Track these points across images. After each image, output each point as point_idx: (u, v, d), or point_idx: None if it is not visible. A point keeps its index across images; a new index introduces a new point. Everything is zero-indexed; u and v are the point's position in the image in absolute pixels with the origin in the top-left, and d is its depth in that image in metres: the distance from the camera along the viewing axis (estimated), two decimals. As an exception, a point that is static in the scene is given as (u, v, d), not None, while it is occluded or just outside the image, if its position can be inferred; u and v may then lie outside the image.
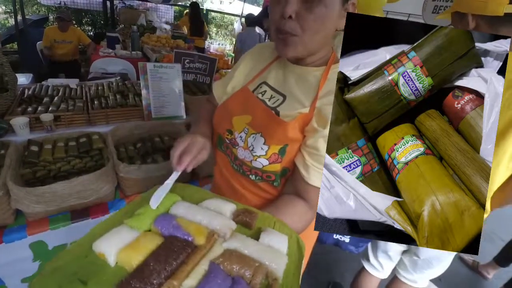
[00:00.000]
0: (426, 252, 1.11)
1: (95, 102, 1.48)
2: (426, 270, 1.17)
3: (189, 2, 4.71)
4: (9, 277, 1.00)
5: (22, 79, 1.96)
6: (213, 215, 0.48)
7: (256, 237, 0.46)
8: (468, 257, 2.28)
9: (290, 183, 0.68)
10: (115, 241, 0.41)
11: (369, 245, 1.32)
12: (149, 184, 1.14)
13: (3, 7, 6.61)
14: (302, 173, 0.62)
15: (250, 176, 0.70)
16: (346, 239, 1.23)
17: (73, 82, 1.73)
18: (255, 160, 0.65)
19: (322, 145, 0.59)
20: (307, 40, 0.57)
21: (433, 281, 1.97)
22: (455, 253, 1.09)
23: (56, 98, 1.46)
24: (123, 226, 0.44)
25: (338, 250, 1.35)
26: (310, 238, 0.89)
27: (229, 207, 0.52)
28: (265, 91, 0.71)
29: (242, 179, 0.73)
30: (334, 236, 1.21)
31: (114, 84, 1.69)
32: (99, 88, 1.64)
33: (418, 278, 1.22)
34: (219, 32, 9.73)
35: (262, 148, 0.63)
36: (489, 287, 2.07)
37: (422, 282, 1.24)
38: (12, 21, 6.10)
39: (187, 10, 6.31)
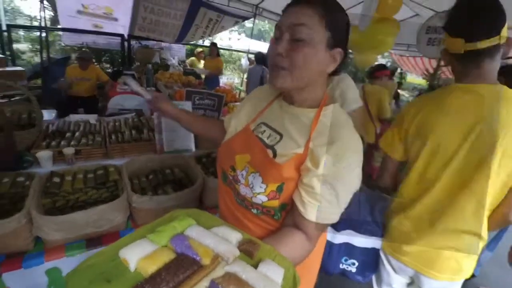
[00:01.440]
0: (429, 284, 1.12)
1: (112, 136, 1.61)
2: None
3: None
4: (24, 303, 1.05)
5: (47, 114, 2.13)
6: (220, 241, 0.54)
7: (256, 266, 0.52)
8: None
9: (290, 216, 0.73)
10: (137, 251, 0.49)
11: (373, 278, 1.32)
12: (160, 214, 1.20)
13: (30, 46, 7.21)
14: (299, 209, 0.66)
15: (252, 210, 0.75)
16: (353, 268, 1.23)
17: (92, 118, 1.88)
18: (255, 196, 0.70)
19: (316, 183, 0.63)
20: (295, 74, 0.66)
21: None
22: (460, 282, 1.10)
23: (77, 133, 1.59)
24: (146, 240, 0.52)
25: (345, 280, 1.35)
26: (312, 268, 0.93)
27: (235, 236, 0.58)
28: (264, 131, 0.79)
29: (245, 212, 0.78)
30: (341, 266, 1.23)
31: (130, 120, 1.83)
32: (116, 123, 1.78)
33: None
34: (227, 67, 10.25)
35: (260, 186, 0.69)
36: None
37: None
38: (37, 59, 6.63)
39: (200, 49, 6.77)
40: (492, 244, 2.09)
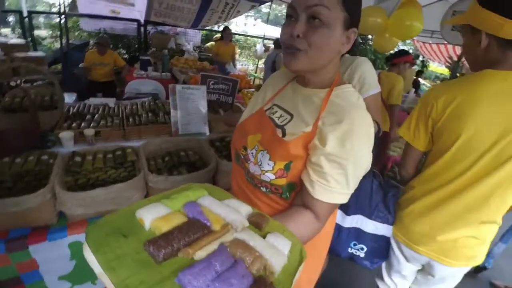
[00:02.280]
0: (441, 271, 1.11)
1: (130, 119, 1.65)
2: (439, 285, 1.17)
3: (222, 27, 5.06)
4: (48, 273, 1.11)
5: (68, 97, 2.21)
6: (231, 211, 0.56)
7: (264, 237, 0.53)
8: (499, 282, 2.15)
9: (299, 196, 0.74)
10: (152, 212, 0.52)
11: (383, 265, 1.32)
12: (174, 194, 1.25)
13: (50, 32, 7.40)
14: (308, 188, 0.67)
15: (261, 188, 0.77)
16: (361, 253, 1.23)
17: (111, 101, 1.93)
18: (263, 174, 0.72)
19: (324, 162, 0.64)
20: (312, 54, 0.65)
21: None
22: (468, 268, 1.08)
23: (96, 116, 1.64)
24: (160, 204, 0.55)
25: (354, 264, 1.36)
26: (321, 248, 0.94)
27: (245, 209, 0.60)
28: (276, 111, 0.80)
29: (255, 191, 0.80)
30: (349, 250, 1.23)
31: (146, 103, 1.87)
32: (134, 107, 1.82)
33: None
34: (243, 53, 10.15)
35: (268, 164, 0.70)
36: None
37: None
38: (57, 45, 6.80)
39: (219, 35, 6.72)
40: (506, 236, 2.03)
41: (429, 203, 1.05)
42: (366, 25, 2.70)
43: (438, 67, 11.99)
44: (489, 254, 2.11)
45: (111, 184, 1.12)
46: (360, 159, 0.65)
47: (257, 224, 0.56)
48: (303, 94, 0.76)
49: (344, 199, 0.67)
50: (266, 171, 0.71)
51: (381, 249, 1.24)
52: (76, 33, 6.48)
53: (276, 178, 0.71)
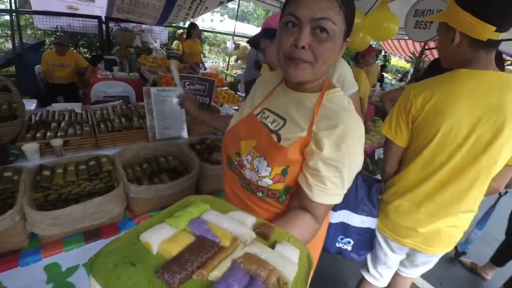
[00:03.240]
0: (424, 258, 1.19)
1: (101, 126, 1.54)
2: (421, 268, 1.27)
3: (188, 24, 4.84)
4: (22, 300, 1.03)
5: (27, 104, 2.01)
6: (237, 224, 0.56)
7: (272, 248, 0.53)
8: (466, 259, 2.34)
9: (296, 198, 0.74)
10: (158, 234, 0.50)
11: (368, 257, 1.37)
12: (158, 203, 1.19)
13: (0, 32, 6.70)
14: (306, 192, 0.68)
15: (258, 193, 0.77)
16: (349, 247, 1.28)
17: (77, 107, 1.79)
18: (261, 180, 0.72)
19: (322, 166, 0.65)
20: (318, 66, 0.66)
21: (434, 284, 2.03)
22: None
23: (63, 123, 1.51)
24: (165, 224, 0.53)
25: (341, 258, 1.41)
26: (316, 247, 0.96)
27: (250, 220, 0.59)
28: (268, 116, 0.79)
29: (251, 196, 0.80)
30: (337, 244, 1.28)
31: (118, 107, 1.76)
32: (104, 112, 1.70)
33: (416, 272, 1.31)
34: (212, 50, 9.97)
35: (266, 170, 0.70)
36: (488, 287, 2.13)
37: (417, 274, 1.34)
38: (8, 45, 6.19)
39: (181, 31, 6.51)
40: (481, 223, 2.22)
41: (412, 198, 1.10)
42: None
43: (399, 61, 12.69)
44: (467, 241, 2.30)
45: (86, 198, 1.05)
46: (354, 161, 0.67)
47: (263, 234, 0.56)
48: (295, 98, 0.76)
49: (339, 199, 0.70)
50: (264, 177, 0.71)
51: (366, 241, 1.29)
52: (30, 32, 5.94)
53: (273, 183, 0.71)
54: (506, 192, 1.97)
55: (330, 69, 1.15)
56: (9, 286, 0.96)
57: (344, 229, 1.26)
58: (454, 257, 2.41)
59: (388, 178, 1.21)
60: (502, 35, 0.90)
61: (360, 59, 2.93)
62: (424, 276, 2.13)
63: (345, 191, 0.69)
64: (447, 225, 1.07)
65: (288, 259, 0.50)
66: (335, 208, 1.23)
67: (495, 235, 2.20)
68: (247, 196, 0.81)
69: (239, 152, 0.78)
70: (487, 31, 0.88)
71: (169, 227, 0.53)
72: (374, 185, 1.24)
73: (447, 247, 1.13)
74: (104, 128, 1.53)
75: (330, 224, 1.24)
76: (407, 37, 3.14)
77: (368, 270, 1.38)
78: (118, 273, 0.43)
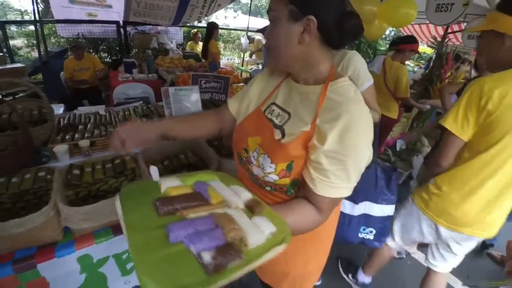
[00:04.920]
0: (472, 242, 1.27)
1: (124, 126, 1.62)
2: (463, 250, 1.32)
3: (208, 24, 4.81)
4: (59, 290, 1.11)
5: (55, 109, 2.14)
6: (231, 194, 0.68)
7: None
8: (495, 252, 2.25)
9: (302, 190, 0.74)
10: (169, 182, 0.69)
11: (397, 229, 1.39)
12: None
13: (26, 41, 7.10)
14: (309, 185, 0.68)
15: (266, 187, 0.78)
16: (371, 236, 1.31)
17: (101, 109, 1.89)
18: (267, 176, 0.72)
19: (324, 159, 0.63)
20: (274, 53, 0.72)
21: (461, 278, 1.97)
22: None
23: (89, 125, 1.60)
24: (177, 179, 0.72)
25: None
26: (325, 239, 0.96)
27: (246, 194, 0.69)
28: (273, 110, 0.80)
29: (261, 190, 0.81)
30: (359, 235, 1.29)
31: (139, 108, 1.83)
32: (126, 113, 1.78)
33: (448, 264, 1.39)
34: (227, 47, 10.02)
35: (270, 167, 0.71)
36: None
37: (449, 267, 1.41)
38: (34, 54, 6.56)
39: (195, 30, 6.58)
40: (510, 214, 2.11)
41: (481, 192, 1.12)
42: (361, 13, 2.68)
43: (421, 47, 12.16)
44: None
45: (113, 194, 1.10)
46: (360, 153, 0.64)
47: (250, 207, 0.64)
48: (300, 92, 0.76)
49: (346, 192, 0.67)
50: (269, 173, 0.72)
51: (387, 229, 1.33)
52: (53, 40, 6.25)
53: (280, 178, 0.72)
54: None
55: (344, 63, 1.13)
56: (47, 276, 1.05)
57: (366, 220, 1.29)
58: (481, 249, 2.32)
59: (442, 171, 1.19)
60: None
61: (397, 51, 2.70)
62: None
63: (353, 184, 0.67)
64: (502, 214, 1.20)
65: (258, 229, 0.56)
66: (357, 201, 1.24)
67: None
68: (257, 190, 0.82)
69: (246, 148, 0.79)
70: None
71: (179, 180, 0.71)
72: (393, 174, 1.25)
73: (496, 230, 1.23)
74: (126, 128, 1.60)
75: (353, 217, 1.26)
76: (427, 21, 3.01)
77: (394, 239, 1.40)
78: (133, 195, 0.66)
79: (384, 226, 1.31)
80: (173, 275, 0.45)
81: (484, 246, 2.29)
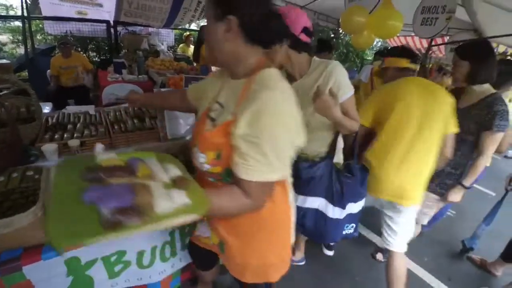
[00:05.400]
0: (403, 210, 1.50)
1: (115, 126, 1.60)
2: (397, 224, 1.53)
3: (200, 27, 4.80)
4: (43, 293, 1.08)
5: (43, 107, 2.09)
6: (160, 170, 0.71)
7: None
8: (475, 256, 2.34)
9: (233, 176, 0.78)
10: (105, 156, 0.73)
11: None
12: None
13: (11, 37, 6.88)
14: (234, 170, 0.73)
15: (209, 178, 0.86)
16: (352, 230, 1.42)
17: (91, 109, 1.86)
18: (202, 166, 0.80)
19: (241, 143, 0.69)
20: (208, 49, 0.80)
21: (443, 281, 2.04)
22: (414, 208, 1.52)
23: (79, 125, 1.58)
24: (115, 154, 0.75)
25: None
26: (274, 230, 0.96)
27: (175, 171, 0.72)
28: (214, 107, 0.87)
29: (207, 181, 0.88)
30: (343, 232, 1.38)
31: (130, 109, 1.81)
32: (117, 113, 1.76)
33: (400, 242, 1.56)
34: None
35: (202, 157, 0.78)
36: (499, 284, 2.12)
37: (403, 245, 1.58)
38: (20, 51, 6.36)
39: (187, 33, 6.57)
40: (488, 218, 2.21)
41: (386, 164, 1.45)
42: (350, 24, 2.78)
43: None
44: (473, 236, 2.31)
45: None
46: (276, 136, 0.69)
47: (176, 183, 0.68)
48: (231, 86, 0.84)
49: (272, 177, 0.72)
50: (202, 163, 0.80)
51: (360, 216, 1.45)
52: (40, 37, 6.09)
53: (211, 167, 0.79)
54: None
55: (325, 74, 1.17)
56: (32, 279, 1.02)
57: (349, 218, 1.37)
58: (461, 253, 2.41)
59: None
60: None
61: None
62: (433, 272, 2.14)
63: (277, 167, 0.71)
64: (413, 183, 1.45)
65: (169, 199, 0.61)
66: (345, 205, 1.31)
67: (505, 232, 2.19)
68: (205, 182, 0.88)
69: (194, 143, 0.85)
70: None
71: (115, 156, 0.74)
72: (367, 174, 1.40)
73: (415, 202, 1.47)
74: (117, 129, 1.58)
75: (340, 221, 1.31)
76: (413, 34, 3.13)
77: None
78: (69, 165, 0.74)
79: (359, 218, 1.43)
80: (71, 224, 0.53)
81: (465, 250, 2.38)
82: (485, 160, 1.53)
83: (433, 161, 1.44)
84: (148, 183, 0.64)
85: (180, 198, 0.62)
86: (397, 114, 1.41)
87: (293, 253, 2.02)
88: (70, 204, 0.58)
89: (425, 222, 1.92)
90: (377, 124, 1.49)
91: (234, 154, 0.72)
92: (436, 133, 1.40)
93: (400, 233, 1.54)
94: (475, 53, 1.49)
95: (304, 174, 1.28)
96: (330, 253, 2.20)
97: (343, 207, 1.30)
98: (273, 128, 0.68)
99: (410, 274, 2.12)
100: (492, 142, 1.49)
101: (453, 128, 1.44)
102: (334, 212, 1.31)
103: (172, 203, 0.60)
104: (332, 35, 8.42)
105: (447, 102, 1.41)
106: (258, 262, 0.96)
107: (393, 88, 1.48)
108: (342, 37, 9.47)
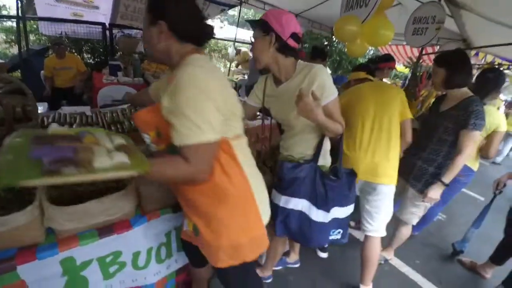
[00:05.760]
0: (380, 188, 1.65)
1: (112, 127, 1.60)
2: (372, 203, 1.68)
3: None
4: (37, 293, 1.06)
5: (39, 107, 2.08)
6: (106, 139, 0.79)
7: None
8: (465, 258, 2.38)
9: None
10: (56, 129, 0.80)
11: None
12: (166, 200, 1.25)
13: (4, 37, 6.78)
14: (172, 142, 0.81)
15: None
16: (339, 236, 1.42)
17: (87, 109, 1.86)
18: (150, 146, 0.94)
19: (170, 116, 0.79)
20: (147, 49, 0.93)
21: (434, 283, 2.07)
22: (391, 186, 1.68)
23: (75, 126, 1.57)
24: (67, 129, 0.87)
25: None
26: (245, 210, 1.01)
27: (120, 141, 0.82)
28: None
29: None
30: (330, 237, 1.39)
31: (127, 110, 1.82)
32: (114, 114, 1.76)
33: (377, 226, 1.70)
34: (213, 56, 10.08)
35: (146, 138, 0.92)
36: (488, 286, 2.18)
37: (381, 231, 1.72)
38: (13, 51, 6.27)
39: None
40: (477, 222, 2.27)
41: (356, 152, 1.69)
42: (343, 33, 2.84)
43: (397, 66, 12.82)
44: (463, 239, 2.37)
45: (100, 195, 1.10)
46: (196, 102, 0.78)
47: (120, 149, 0.75)
48: (168, 76, 0.98)
49: (202, 137, 0.79)
50: (148, 144, 0.93)
51: (348, 223, 1.46)
52: (34, 37, 6.02)
53: (156, 145, 0.93)
54: (500, 192, 2.03)
55: (309, 77, 1.19)
56: (26, 279, 1.01)
57: (335, 223, 1.36)
58: (451, 255, 2.45)
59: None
60: None
61: (376, 69, 2.85)
62: (424, 275, 2.17)
63: (204, 128, 0.79)
64: (380, 163, 1.64)
65: (108, 157, 0.67)
66: (329, 209, 1.31)
67: (494, 234, 2.24)
68: None
69: None
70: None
71: (68, 130, 0.82)
72: (354, 177, 1.41)
73: (389, 180, 1.64)
74: (115, 130, 1.59)
75: (324, 224, 1.32)
76: (404, 43, 3.21)
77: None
78: (23, 136, 0.75)
79: (348, 224, 1.44)
80: (15, 170, 0.61)
81: (455, 252, 2.43)
82: (463, 158, 1.58)
83: (395, 145, 1.66)
84: (91, 146, 0.71)
85: (119, 157, 0.70)
86: (358, 109, 1.70)
87: (288, 255, 2.03)
88: (17, 158, 0.65)
89: (414, 222, 1.96)
90: (346, 120, 1.60)
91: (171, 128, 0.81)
92: (393, 121, 1.65)
93: (376, 216, 1.67)
94: (450, 61, 1.65)
95: (287, 175, 1.29)
96: (324, 255, 2.22)
97: (327, 211, 1.30)
98: (192, 97, 0.77)
99: (402, 276, 2.15)
100: (469, 139, 1.56)
101: (408, 115, 1.70)
102: (318, 215, 1.30)
103: (110, 160, 0.67)
104: (326, 43, 8.56)
105: (396, 95, 1.70)
106: (229, 243, 0.98)
107: (354, 90, 1.83)
108: (335, 45, 9.62)
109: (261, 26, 1.18)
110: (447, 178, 1.63)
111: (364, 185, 1.71)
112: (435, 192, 1.66)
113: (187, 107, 0.77)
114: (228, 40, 8.89)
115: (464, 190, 2.83)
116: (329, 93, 1.18)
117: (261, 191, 1.09)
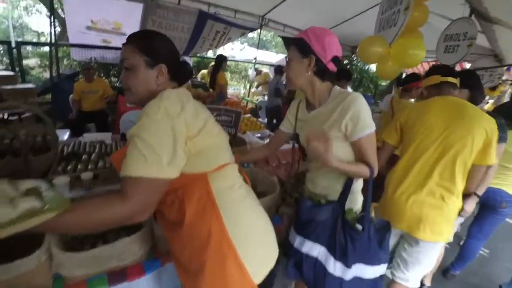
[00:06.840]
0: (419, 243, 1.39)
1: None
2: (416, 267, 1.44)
3: (217, 55, 4.83)
4: None
5: (60, 134, 2.09)
6: (8, 188, 0.65)
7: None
8: None
9: None
10: None
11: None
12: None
13: (39, 62, 7.28)
14: None
15: None
16: None
17: (107, 137, 1.83)
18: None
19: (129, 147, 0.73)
20: (132, 92, 0.88)
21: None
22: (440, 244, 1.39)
23: (93, 155, 1.53)
24: None
25: None
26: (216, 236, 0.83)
27: (28, 184, 0.67)
28: None
29: None
30: None
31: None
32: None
33: (411, 277, 1.47)
34: (233, 77, 10.27)
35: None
36: None
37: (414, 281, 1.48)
38: (45, 74, 6.68)
39: (213, 63, 6.69)
40: None
41: (404, 188, 1.41)
42: (369, 54, 2.76)
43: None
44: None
45: (113, 235, 1.01)
46: (150, 133, 0.71)
47: (26, 193, 0.65)
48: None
49: (146, 171, 0.69)
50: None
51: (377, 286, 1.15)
52: (66, 62, 6.41)
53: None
54: None
55: (344, 105, 1.05)
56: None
57: (358, 283, 1.11)
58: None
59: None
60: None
61: (404, 90, 2.79)
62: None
63: (151, 160, 0.69)
64: (434, 207, 1.32)
65: (12, 208, 0.58)
66: (348, 263, 1.08)
67: None
68: None
69: None
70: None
71: None
72: (386, 233, 1.13)
73: (435, 236, 1.34)
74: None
75: (343, 281, 1.09)
76: (429, 59, 3.07)
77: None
78: None
79: (375, 285, 1.13)
80: None
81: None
82: (494, 169, 1.60)
83: (458, 191, 1.31)
84: None
85: (27, 203, 0.62)
86: (419, 134, 1.36)
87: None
88: None
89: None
90: (401, 145, 1.49)
91: None
92: (462, 160, 1.28)
93: (413, 267, 1.44)
94: (472, 82, 1.62)
95: (304, 214, 1.14)
96: None
97: (347, 265, 1.07)
98: (148, 126, 0.72)
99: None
100: (497, 152, 1.44)
101: (487, 160, 1.28)
102: (335, 268, 1.09)
103: (14, 210, 0.59)
104: (346, 61, 8.48)
105: (481, 126, 1.24)
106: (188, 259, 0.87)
107: (417, 107, 1.44)
108: (356, 64, 9.52)
109: (299, 46, 1.08)
110: (480, 191, 1.59)
111: (405, 235, 1.45)
112: (471, 206, 1.58)
113: (138, 137, 0.71)
114: (248, 62, 9.05)
115: (507, 219, 2.52)
116: (363, 126, 1.03)
117: (254, 239, 0.88)
